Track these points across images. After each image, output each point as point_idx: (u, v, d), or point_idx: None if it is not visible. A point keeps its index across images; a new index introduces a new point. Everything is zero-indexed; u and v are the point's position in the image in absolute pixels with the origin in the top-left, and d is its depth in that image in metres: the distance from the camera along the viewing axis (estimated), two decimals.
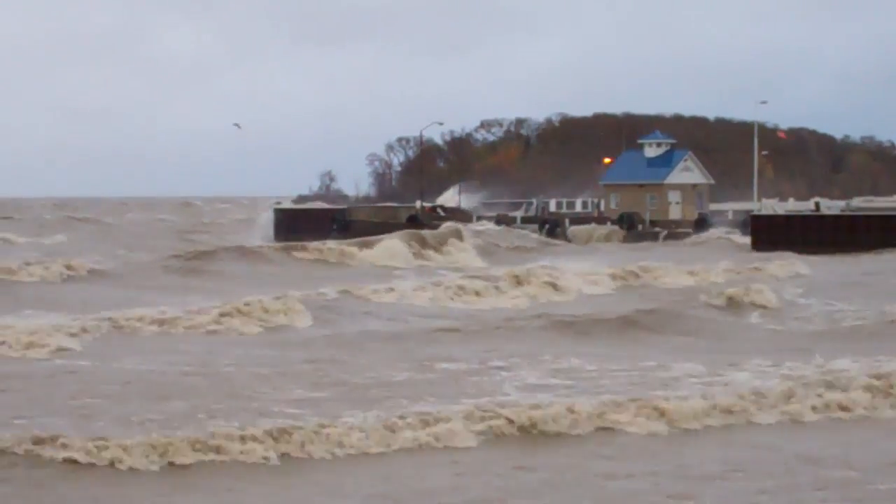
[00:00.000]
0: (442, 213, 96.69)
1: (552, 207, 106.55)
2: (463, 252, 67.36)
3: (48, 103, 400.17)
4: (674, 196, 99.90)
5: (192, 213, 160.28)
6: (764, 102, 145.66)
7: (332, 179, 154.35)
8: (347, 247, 64.48)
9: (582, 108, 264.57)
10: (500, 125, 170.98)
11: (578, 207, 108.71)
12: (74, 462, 16.52)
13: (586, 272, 48.10)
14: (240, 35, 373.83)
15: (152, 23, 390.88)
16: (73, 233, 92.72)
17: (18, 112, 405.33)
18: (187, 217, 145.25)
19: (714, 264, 54.40)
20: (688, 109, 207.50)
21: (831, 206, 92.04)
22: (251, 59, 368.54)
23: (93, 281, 47.11)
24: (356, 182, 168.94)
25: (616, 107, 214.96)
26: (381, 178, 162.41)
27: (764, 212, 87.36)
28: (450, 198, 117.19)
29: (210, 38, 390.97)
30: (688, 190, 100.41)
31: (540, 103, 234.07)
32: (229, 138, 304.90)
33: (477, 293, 41.94)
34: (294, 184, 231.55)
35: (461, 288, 42.27)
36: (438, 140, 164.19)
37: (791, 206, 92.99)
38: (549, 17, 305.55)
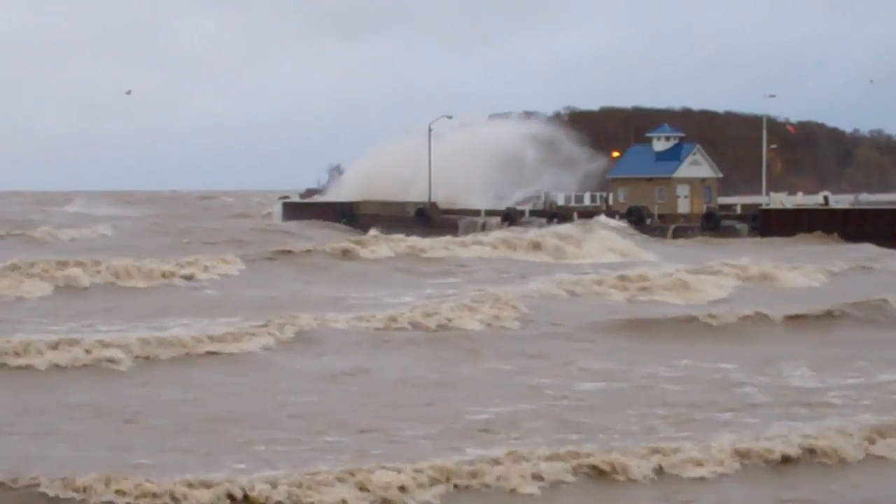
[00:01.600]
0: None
1: (560, 201, 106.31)
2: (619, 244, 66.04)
3: (67, 97, 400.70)
4: (682, 190, 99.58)
5: (249, 208, 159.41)
6: (772, 96, 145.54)
7: (340, 173, 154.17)
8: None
9: (590, 102, 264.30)
10: (509, 119, 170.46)
11: (587, 201, 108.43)
12: None
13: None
14: (259, 29, 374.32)
15: (174, 16, 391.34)
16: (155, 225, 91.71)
17: (37, 106, 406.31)
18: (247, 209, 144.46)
19: (829, 263, 52.95)
20: (697, 103, 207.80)
21: (840, 201, 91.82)
22: (270, 53, 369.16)
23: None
24: None
25: (624, 100, 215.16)
26: None
27: (773, 206, 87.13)
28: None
29: (230, 32, 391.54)
30: (696, 184, 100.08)
31: (548, 97, 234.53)
32: (245, 132, 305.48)
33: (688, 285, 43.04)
34: (309, 177, 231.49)
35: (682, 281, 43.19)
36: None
37: (800, 200, 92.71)
38: (558, 12, 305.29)
